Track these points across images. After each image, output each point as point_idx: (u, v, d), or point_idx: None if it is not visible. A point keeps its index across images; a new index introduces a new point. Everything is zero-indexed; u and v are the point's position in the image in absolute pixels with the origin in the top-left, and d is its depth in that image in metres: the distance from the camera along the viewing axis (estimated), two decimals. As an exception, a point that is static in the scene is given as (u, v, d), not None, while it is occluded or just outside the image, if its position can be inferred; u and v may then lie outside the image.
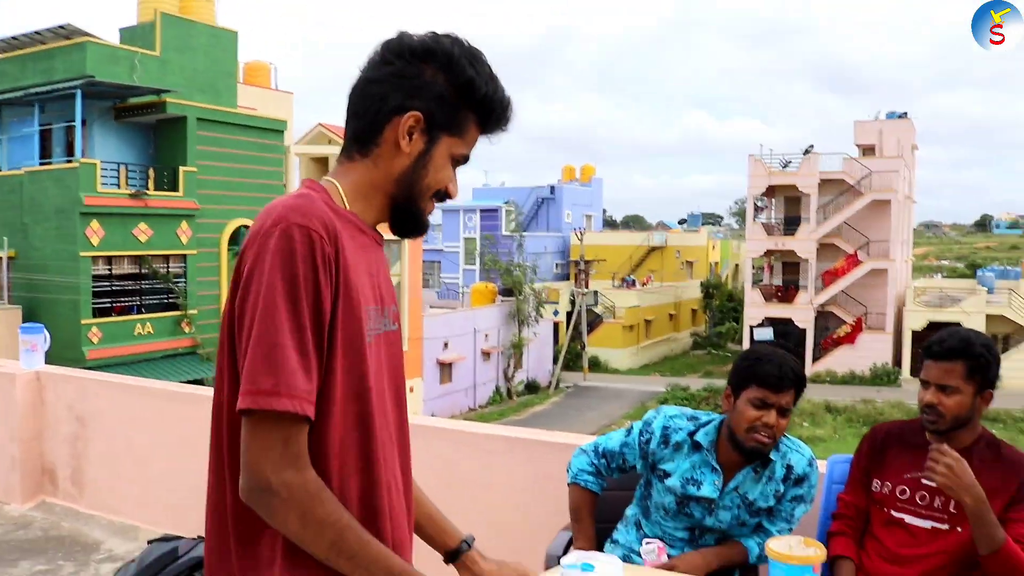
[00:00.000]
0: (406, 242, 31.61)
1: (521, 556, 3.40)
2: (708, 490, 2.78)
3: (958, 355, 2.71)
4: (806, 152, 41.34)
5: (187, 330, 24.64)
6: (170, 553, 4.40)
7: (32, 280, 22.81)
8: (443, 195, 1.65)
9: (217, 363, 1.53)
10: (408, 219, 1.64)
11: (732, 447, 2.75)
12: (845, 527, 2.91)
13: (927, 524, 2.75)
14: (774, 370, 2.66)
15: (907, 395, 33.97)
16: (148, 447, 5.15)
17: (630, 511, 3.04)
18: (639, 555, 2.77)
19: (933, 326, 38.04)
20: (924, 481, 2.75)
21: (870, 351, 38.69)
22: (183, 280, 24.64)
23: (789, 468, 2.80)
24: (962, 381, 2.71)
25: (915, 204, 48.80)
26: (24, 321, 22.60)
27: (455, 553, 1.91)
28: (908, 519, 2.79)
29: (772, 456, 2.77)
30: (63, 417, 5.43)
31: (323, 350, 1.44)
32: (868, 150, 42.39)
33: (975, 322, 37.43)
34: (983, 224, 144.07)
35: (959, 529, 2.70)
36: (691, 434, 2.82)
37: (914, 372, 37.71)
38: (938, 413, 2.72)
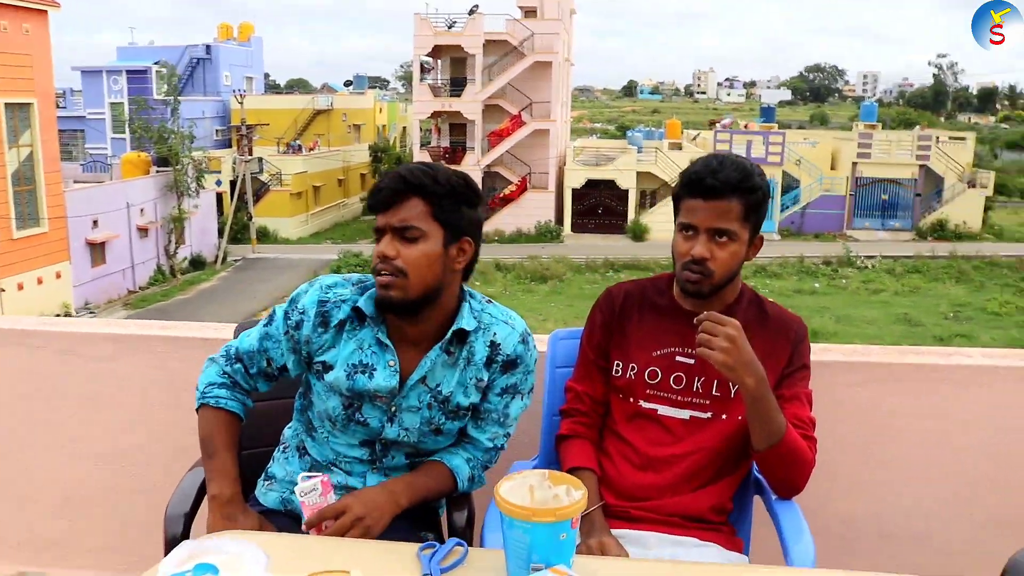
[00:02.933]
0: (35, 107, 27.64)
1: (142, 509, 2.45)
2: (383, 377, 1.95)
3: (735, 190, 2.04)
4: (471, 12, 41.00)
5: None
6: None
7: None
8: None
9: None
10: None
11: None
12: (578, 427, 2.23)
13: (684, 414, 2.15)
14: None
15: (569, 250, 35.77)
16: None
17: (289, 431, 2.17)
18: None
19: (591, 183, 40.09)
20: (679, 358, 2.16)
21: (534, 209, 39.98)
22: None
23: (494, 347, 2.00)
24: (739, 224, 2.06)
25: (573, 67, 50.43)
26: None
27: None
28: (661, 409, 2.16)
29: (467, 327, 1.98)
30: None
31: None
32: (530, 12, 42.76)
33: (627, 179, 39.90)
34: (630, 90, 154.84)
35: (723, 416, 2.13)
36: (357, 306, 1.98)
37: (576, 228, 39.85)
38: (706, 270, 2.07)
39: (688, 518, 2.10)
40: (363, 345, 1.95)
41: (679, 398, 2.14)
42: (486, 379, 2.01)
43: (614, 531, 2.05)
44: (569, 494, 1.52)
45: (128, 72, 43.85)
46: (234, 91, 45.85)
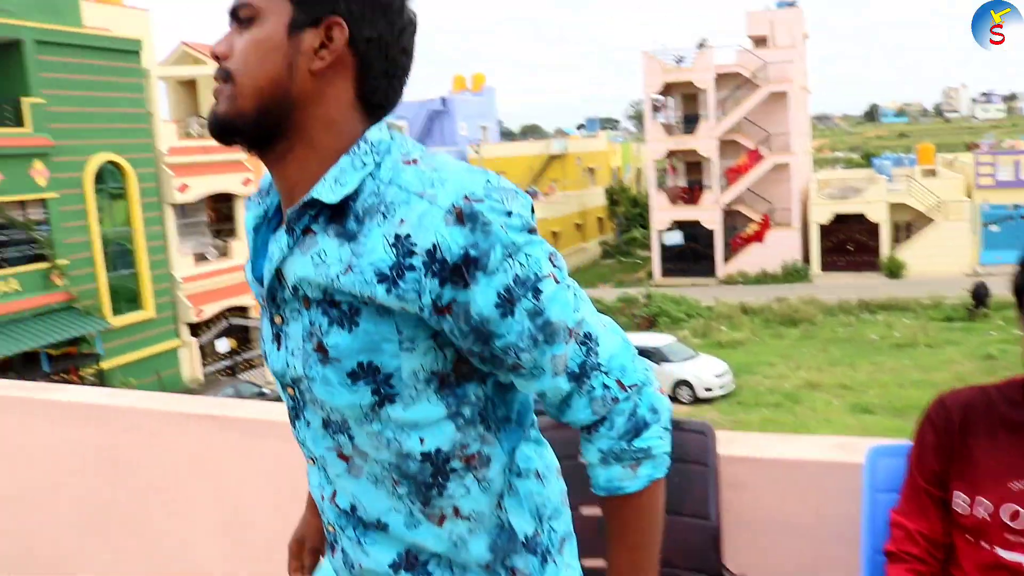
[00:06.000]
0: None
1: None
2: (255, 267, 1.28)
3: None
4: (700, 46, 40.24)
5: (59, 283, 22.24)
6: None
7: None
8: None
9: None
10: None
11: None
12: None
13: None
14: None
15: (819, 291, 33.83)
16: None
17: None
18: None
19: (839, 218, 37.96)
20: None
21: (779, 248, 38.41)
22: (46, 227, 22.12)
23: (401, 243, 1.10)
24: None
25: (809, 95, 48.38)
26: None
27: None
28: None
29: (324, 198, 1.14)
30: None
31: None
32: (760, 41, 41.60)
33: (878, 211, 37.48)
34: (871, 114, 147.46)
35: None
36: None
37: (825, 266, 37.71)
38: None
39: None
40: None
41: None
42: (391, 305, 1.11)
43: None
44: None
45: (373, 129, 46.10)
46: (470, 142, 47.18)
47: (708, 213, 39.05)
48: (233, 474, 2.82)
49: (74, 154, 22.37)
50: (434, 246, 1.08)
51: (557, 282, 1.15)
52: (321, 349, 1.16)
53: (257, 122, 1.17)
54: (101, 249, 23.44)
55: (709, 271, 39.05)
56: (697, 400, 22.78)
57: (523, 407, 1.30)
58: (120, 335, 23.55)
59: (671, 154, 40.95)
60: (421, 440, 1.19)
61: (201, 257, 27.00)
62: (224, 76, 1.17)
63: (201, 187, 26.36)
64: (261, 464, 2.73)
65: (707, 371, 23.23)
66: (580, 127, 61.08)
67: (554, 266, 1.15)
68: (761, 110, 38.81)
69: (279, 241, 1.19)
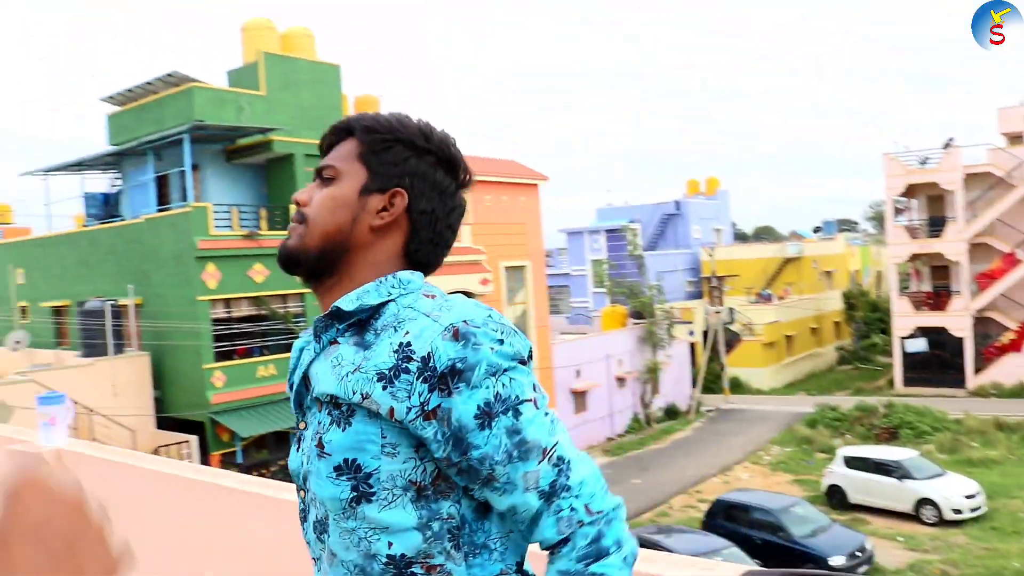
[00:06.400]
0: (529, 269, 30.73)
1: None
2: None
3: None
4: (946, 146, 38.41)
5: (308, 369, 24.13)
6: None
7: (156, 327, 22.76)
8: None
9: None
10: None
11: None
12: None
13: None
14: None
15: (1088, 406, 30.68)
16: (179, 544, 4.05)
17: None
18: None
19: (1111, 327, 34.59)
20: None
21: (1041, 358, 35.20)
22: (303, 319, 24.17)
23: (403, 350, 1.29)
24: None
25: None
26: (153, 369, 22.55)
27: None
28: None
29: (344, 306, 1.37)
30: (85, 507, 4.38)
31: None
32: (1015, 139, 39.08)
33: None
34: None
35: None
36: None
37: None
38: None
39: None
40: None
41: None
42: (382, 403, 1.28)
43: None
44: None
45: (607, 231, 47.27)
46: (703, 244, 47.20)
47: (956, 320, 36.57)
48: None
49: (330, 253, 24.49)
50: (428, 354, 1.27)
51: (536, 408, 1.30)
52: (320, 444, 1.34)
53: (318, 259, 1.42)
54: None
55: (957, 382, 36.30)
56: (943, 522, 21.10)
57: (515, 547, 1.38)
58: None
59: (914, 257, 38.97)
60: (389, 544, 1.30)
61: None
62: (300, 219, 1.44)
63: (443, 285, 27.89)
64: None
65: (955, 491, 21.33)
66: (817, 229, 59.60)
67: (537, 394, 1.32)
68: (1017, 211, 36.29)
69: (310, 349, 1.44)
